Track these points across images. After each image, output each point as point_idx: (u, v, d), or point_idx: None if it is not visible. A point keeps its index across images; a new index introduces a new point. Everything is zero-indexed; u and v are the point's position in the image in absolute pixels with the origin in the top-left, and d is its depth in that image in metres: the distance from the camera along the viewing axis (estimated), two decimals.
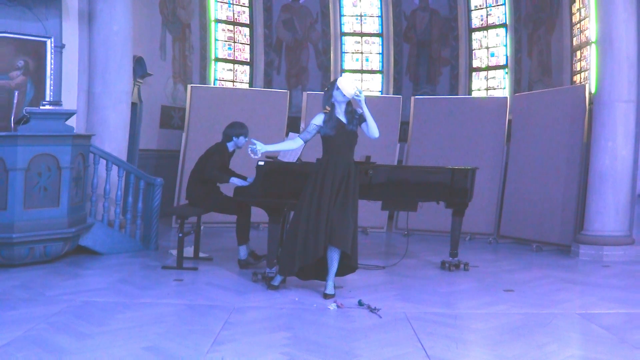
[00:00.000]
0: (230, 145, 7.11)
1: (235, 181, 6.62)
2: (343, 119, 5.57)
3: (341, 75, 5.84)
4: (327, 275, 5.56)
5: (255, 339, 4.29)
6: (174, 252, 6.98)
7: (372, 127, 5.60)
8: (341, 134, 5.55)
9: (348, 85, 5.52)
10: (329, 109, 5.59)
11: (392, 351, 4.07)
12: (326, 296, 5.46)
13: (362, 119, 5.59)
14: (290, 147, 5.79)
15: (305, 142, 5.70)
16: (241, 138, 7.08)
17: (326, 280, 5.56)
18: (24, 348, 3.90)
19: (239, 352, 3.97)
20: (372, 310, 5.06)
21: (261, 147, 5.51)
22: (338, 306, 5.20)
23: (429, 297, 5.67)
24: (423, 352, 4.07)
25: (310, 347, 4.13)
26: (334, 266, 5.54)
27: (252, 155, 5.53)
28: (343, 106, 5.58)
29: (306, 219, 5.46)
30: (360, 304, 5.23)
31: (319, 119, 5.60)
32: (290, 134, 6.52)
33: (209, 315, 4.86)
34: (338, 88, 5.52)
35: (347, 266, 5.64)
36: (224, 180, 6.83)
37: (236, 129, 7.06)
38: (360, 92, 5.49)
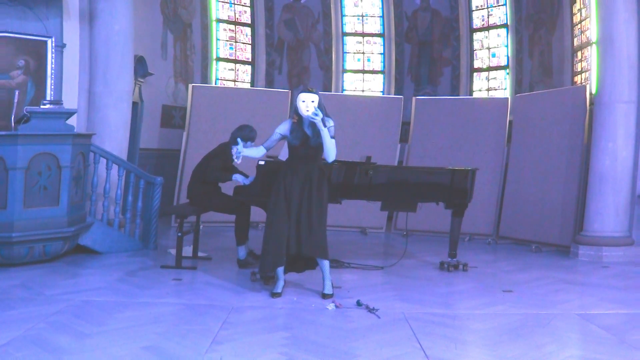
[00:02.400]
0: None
1: (237, 178, 6.63)
2: (308, 132, 5.50)
3: (305, 88, 5.64)
4: (324, 276, 5.57)
5: (253, 338, 4.29)
6: (173, 251, 6.98)
7: (327, 151, 5.42)
8: (305, 146, 5.49)
9: (303, 105, 5.38)
10: (296, 118, 5.50)
11: (391, 351, 4.07)
12: (324, 296, 5.47)
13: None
14: (255, 154, 5.70)
15: (267, 149, 5.65)
16: (248, 142, 7.04)
17: (323, 280, 5.56)
18: (23, 347, 3.90)
19: (238, 352, 3.98)
20: (371, 310, 5.06)
21: (241, 150, 5.47)
22: (336, 306, 5.20)
23: (428, 298, 5.66)
24: (422, 352, 4.07)
25: (308, 347, 4.13)
26: (326, 269, 5.56)
27: (235, 157, 5.45)
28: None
29: (277, 222, 5.43)
30: (358, 304, 5.23)
31: (283, 127, 5.56)
32: None
33: (207, 314, 4.86)
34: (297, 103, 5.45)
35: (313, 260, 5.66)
36: (227, 179, 6.83)
37: (245, 133, 6.96)
38: (315, 115, 5.30)
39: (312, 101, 5.39)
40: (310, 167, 5.52)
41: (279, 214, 5.45)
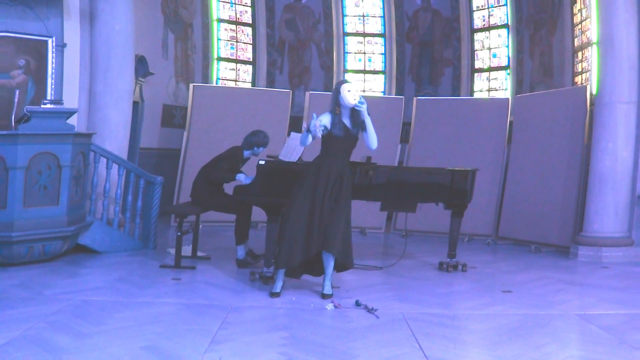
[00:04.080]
0: (247, 153, 7.08)
1: (241, 177, 6.64)
2: (347, 123, 5.58)
3: (344, 79, 5.72)
4: (324, 276, 5.56)
5: (252, 338, 4.29)
6: (173, 251, 6.98)
7: (371, 138, 5.61)
8: (346, 137, 5.56)
9: (350, 94, 5.49)
10: (339, 110, 5.56)
11: (390, 351, 4.07)
12: (324, 296, 5.46)
13: (364, 125, 5.59)
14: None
15: (314, 138, 5.60)
16: (261, 148, 7.05)
17: (323, 280, 5.57)
18: (22, 347, 3.90)
19: (237, 352, 3.98)
20: (370, 310, 5.06)
21: (319, 123, 5.40)
22: (335, 306, 5.20)
23: (427, 298, 5.66)
24: (421, 352, 4.07)
25: (307, 347, 4.13)
26: (330, 267, 5.54)
27: (320, 131, 5.37)
28: (348, 110, 5.58)
29: (297, 218, 5.43)
30: (357, 304, 5.22)
31: (326, 119, 5.56)
32: (292, 133, 6.52)
33: (206, 314, 4.86)
34: (341, 94, 5.52)
35: (341, 265, 5.64)
36: (231, 179, 6.84)
37: (259, 139, 6.98)
38: (361, 103, 5.48)
39: (357, 90, 5.54)
40: (344, 162, 5.61)
41: (301, 214, 5.43)
